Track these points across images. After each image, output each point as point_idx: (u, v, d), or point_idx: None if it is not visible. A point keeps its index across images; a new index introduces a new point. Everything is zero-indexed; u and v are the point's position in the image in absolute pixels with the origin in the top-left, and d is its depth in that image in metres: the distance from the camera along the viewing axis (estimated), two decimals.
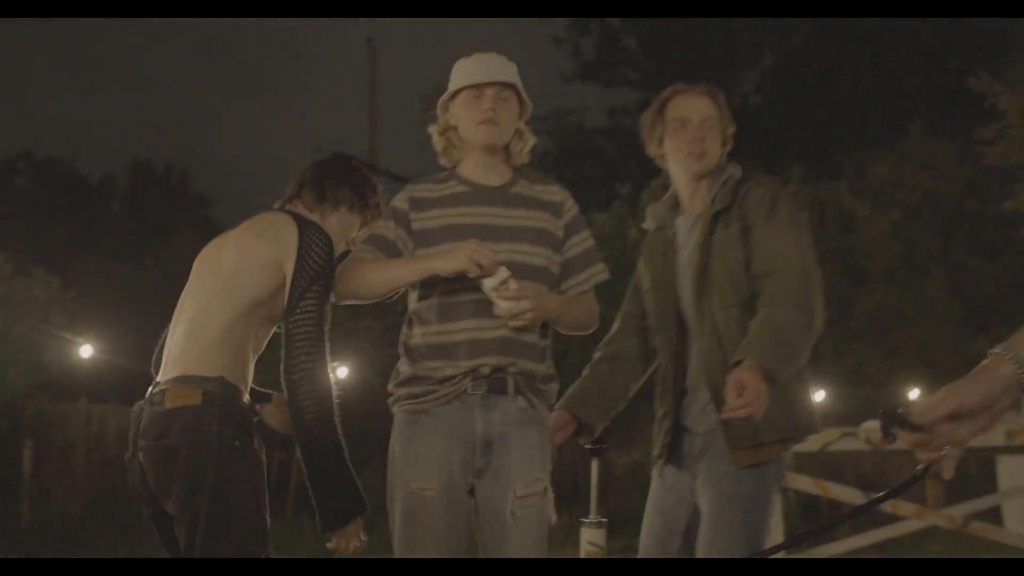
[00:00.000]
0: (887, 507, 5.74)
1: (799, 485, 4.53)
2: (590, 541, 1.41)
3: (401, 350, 2.44)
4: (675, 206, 2.52)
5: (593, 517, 1.42)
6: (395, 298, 2.44)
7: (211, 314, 2.15)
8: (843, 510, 11.17)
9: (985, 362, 1.21)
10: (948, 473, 1.24)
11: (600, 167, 18.60)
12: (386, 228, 2.42)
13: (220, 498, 2.03)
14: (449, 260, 2.27)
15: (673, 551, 2.28)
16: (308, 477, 2.10)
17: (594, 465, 1.49)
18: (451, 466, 2.29)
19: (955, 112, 14.33)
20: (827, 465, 7.67)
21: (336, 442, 2.10)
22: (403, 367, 2.41)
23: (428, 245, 2.38)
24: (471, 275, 2.25)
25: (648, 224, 2.59)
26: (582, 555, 1.41)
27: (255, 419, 2.18)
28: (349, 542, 2.12)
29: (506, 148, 2.47)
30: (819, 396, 8.94)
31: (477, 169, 2.45)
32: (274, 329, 2.27)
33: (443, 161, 2.50)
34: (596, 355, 2.60)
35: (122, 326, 10.45)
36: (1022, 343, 1.19)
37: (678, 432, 2.35)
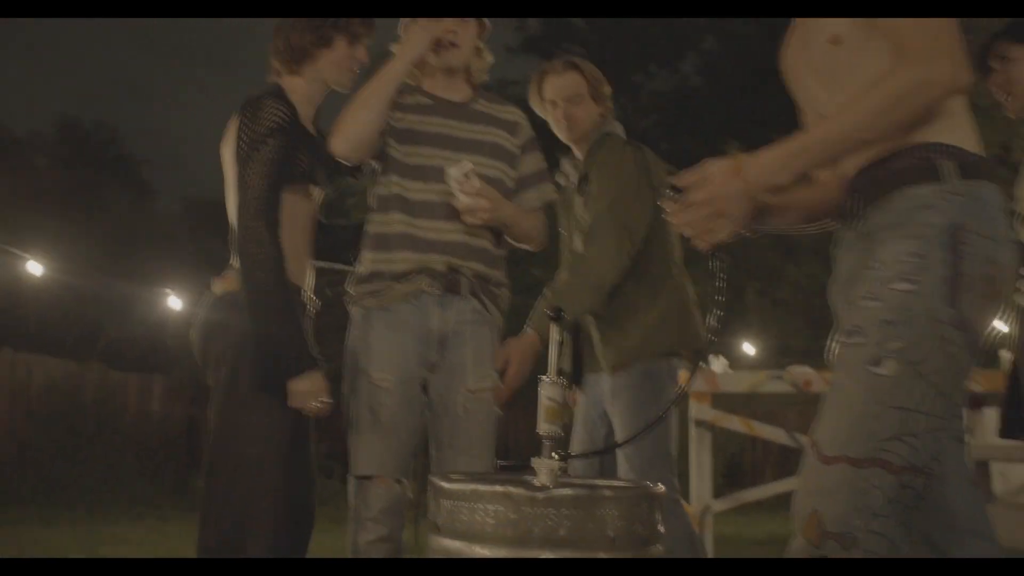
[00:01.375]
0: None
1: (728, 424, 4.73)
2: (549, 396, 1.52)
3: (361, 244, 2.52)
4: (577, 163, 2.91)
5: (552, 375, 1.52)
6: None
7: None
8: (770, 449, 11.77)
9: None
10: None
11: (542, 138, 18.61)
12: None
13: (242, 373, 2.16)
14: (407, 43, 2.40)
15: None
16: (256, 338, 2.17)
17: (553, 327, 1.60)
18: (407, 359, 2.39)
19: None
20: (756, 409, 8.01)
21: (279, 302, 2.17)
22: (361, 266, 2.50)
23: (390, 146, 2.46)
24: (432, 49, 2.42)
25: (560, 179, 2.94)
26: (541, 410, 1.52)
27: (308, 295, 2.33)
28: (306, 400, 2.19)
29: (466, 67, 2.56)
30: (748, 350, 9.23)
31: (439, 86, 2.54)
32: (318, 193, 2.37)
33: (406, 80, 2.56)
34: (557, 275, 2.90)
35: (53, 273, 10.22)
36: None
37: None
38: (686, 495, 3.13)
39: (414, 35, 2.40)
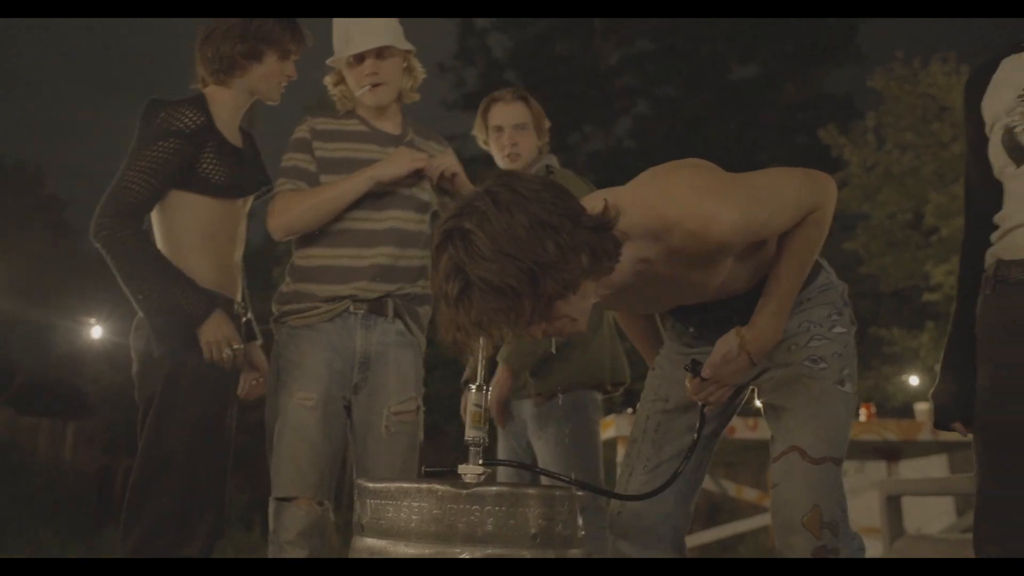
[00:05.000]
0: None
1: None
2: (475, 403, 1.55)
3: (288, 271, 2.53)
4: None
5: (479, 382, 1.56)
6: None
7: None
8: (699, 501, 11.87)
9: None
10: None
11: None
12: (301, 160, 2.51)
13: (170, 394, 2.14)
14: (390, 166, 2.43)
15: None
16: (143, 311, 2.18)
17: (483, 339, 1.64)
18: (330, 378, 2.39)
19: (807, 163, 15.39)
20: None
21: (152, 265, 2.17)
22: (287, 287, 2.50)
23: (328, 173, 2.48)
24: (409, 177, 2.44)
25: None
26: (467, 416, 1.55)
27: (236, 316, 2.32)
28: (220, 348, 2.20)
29: (399, 95, 2.60)
30: None
31: (372, 117, 2.59)
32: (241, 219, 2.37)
33: (340, 107, 2.62)
34: None
35: None
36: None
37: None
38: None
39: (397, 163, 2.43)
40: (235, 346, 2.20)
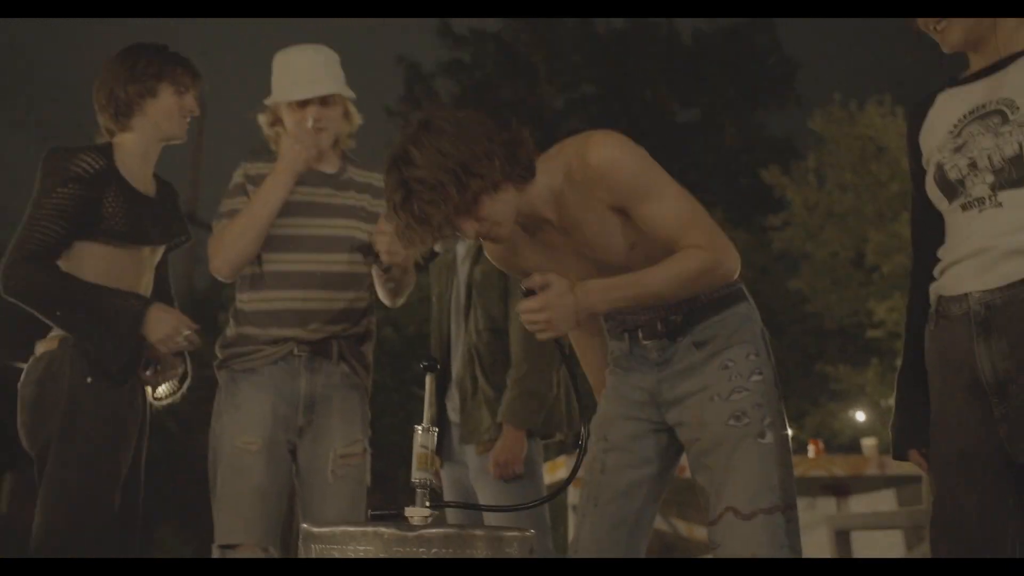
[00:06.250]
0: None
1: None
2: (422, 444, 1.53)
3: (231, 315, 2.48)
4: None
5: (425, 424, 1.54)
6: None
7: None
8: (651, 543, 11.83)
9: None
10: None
11: None
12: (237, 203, 2.47)
13: (68, 436, 2.08)
14: (286, 164, 2.39)
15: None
16: (79, 338, 2.14)
17: (428, 378, 1.62)
18: (274, 422, 2.34)
19: (749, 205, 15.76)
20: None
21: (73, 288, 2.14)
22: (230, 330, 2.45)
23: None
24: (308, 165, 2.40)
25: (437, 247, 2.89)
26: (415, 459, 1.53)
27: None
28: (174, 339, 2.18)
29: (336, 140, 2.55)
30: None
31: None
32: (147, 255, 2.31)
33: (274, 148, 2.56)
34: None
35: None
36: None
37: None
38: None
39: (291, 159, 2.40)
40: (185, 332, 2.18)
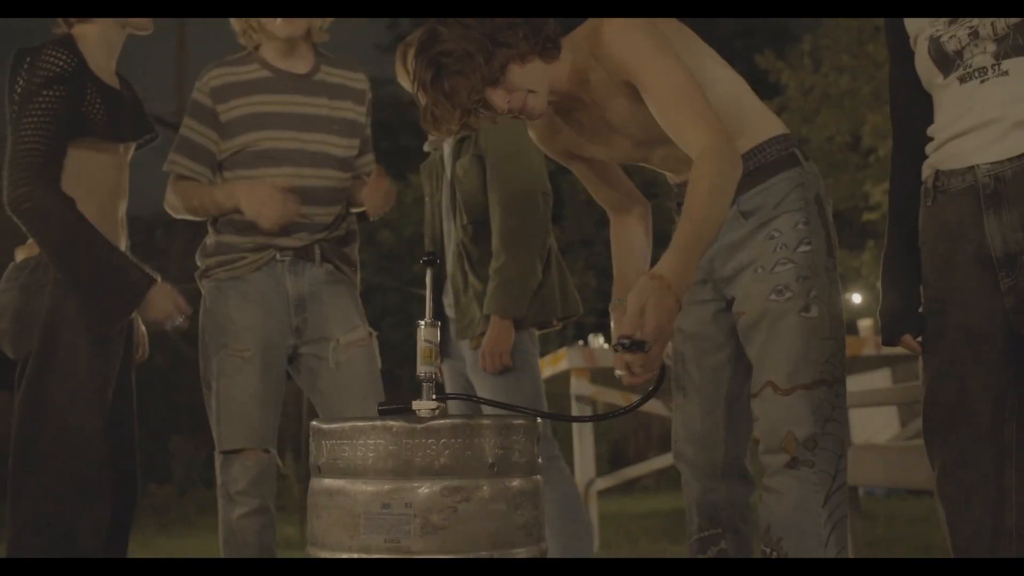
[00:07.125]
0: None
1: (608, 398, 4.86)
2: (426, 339, 1.53)
3: (210, 223, 2.46)
4: None
5: (428, 318, 1.54)
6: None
7: None
8: (651, 435, 12.10)
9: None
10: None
11: (416, 138, 18.57)
12: (191, 130, 2.42)
13: (50, 347, 2.03)
14: (247, 212, 2.33)
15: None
16: (75, 286, 2.06)
17: (428, 273, 1.62)
18: (268, 328, 2.36)
19: None
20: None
21: (87, 237, 2.05)
22: (210, 239, 2.44)
23: (235, 136, 2.39)
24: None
25: (426, 146, 2.95)
26: (420, 352, 1.53)
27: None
28: (170, 316, 2.15)
29: (307, 32, 2.46)
30: None
31: (279, 55, 2.44)
32: (124, 154, 2.24)
33: (242, 42, 2.47)
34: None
35: None
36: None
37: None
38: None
39: (251, 214, 2.33)
40: (179, 319, 2.16)
